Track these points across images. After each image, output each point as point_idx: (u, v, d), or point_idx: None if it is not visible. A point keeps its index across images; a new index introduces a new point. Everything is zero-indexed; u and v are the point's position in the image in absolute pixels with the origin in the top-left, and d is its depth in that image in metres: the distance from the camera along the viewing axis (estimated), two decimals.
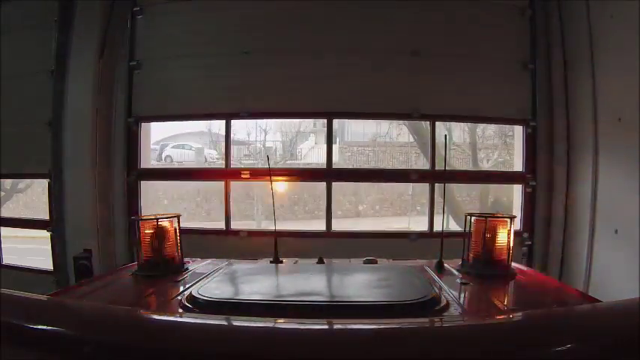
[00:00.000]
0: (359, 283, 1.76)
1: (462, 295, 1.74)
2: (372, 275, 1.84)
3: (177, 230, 2.10)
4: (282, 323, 1.06)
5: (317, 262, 2.20)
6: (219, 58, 5.16)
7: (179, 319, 1.24)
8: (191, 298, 1.45)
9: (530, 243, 5.12)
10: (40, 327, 0.98)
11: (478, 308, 1.62)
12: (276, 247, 2.31)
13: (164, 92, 5.26)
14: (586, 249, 4.52)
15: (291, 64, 5.06)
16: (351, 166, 6.83)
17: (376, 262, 2.19)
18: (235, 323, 1.10)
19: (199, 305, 1.40)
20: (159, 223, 2.05)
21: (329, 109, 5.15)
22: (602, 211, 4.41)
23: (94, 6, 5.13)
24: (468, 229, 2.05)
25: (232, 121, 5.46)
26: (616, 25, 4.15)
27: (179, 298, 1.55)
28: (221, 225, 5.37)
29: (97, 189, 5.07)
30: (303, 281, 1.74)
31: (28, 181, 7.61)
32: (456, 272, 1.98)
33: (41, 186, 5.58)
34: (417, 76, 5.04)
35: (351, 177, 5.92)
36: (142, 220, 2.07)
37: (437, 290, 1.54)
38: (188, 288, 1.66)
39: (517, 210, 5.28)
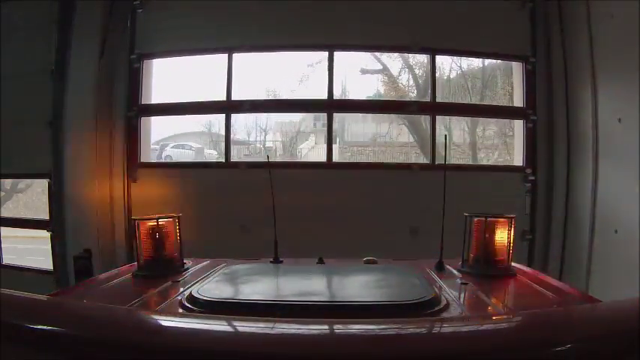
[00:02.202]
0: (359, 283, 1.75)
1: (462, 296, 1.74)
2: (372, 275, 1.84)
3: (178, 230, 2.10)
4: (282, 323, 1.06)
5: (317, 262, 2.20)
6: None
7: (179, 319, 1.23)
8: (191, 298, 1.44)
9: (533, 178, 5.16)
10: (40, 327, 0.98)
11: (478, 308, 1.62)
12: (276, 247, 2.31)
13: (166, 30, 5.36)
14: (586, 249, 4.52)
15: None
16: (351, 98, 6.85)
17: (376, 262, 2.19)
18: (235, 323, 1.10)
19: (199, 305, 1.39)
20: (159, 223, 2.05)
21: (329, 42, 5.27)
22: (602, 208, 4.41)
23: (93, 6, 5.13)
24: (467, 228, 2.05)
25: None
26: None
27: (179, 298, 1.55)
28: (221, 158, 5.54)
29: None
30: (303, 281, 1.74)
31: (28, 181, 7.60)
32: (455, 272, 1.98)
33: (41, 186, 5.58)
34: (417, 11, 5.13)
35: (353, 108, 6.10)
36: (141, 220, 2.07)
37: (437, 290, 1.54)
38: (188, 288, 1.66)
39: (519, 145, 5.41)
